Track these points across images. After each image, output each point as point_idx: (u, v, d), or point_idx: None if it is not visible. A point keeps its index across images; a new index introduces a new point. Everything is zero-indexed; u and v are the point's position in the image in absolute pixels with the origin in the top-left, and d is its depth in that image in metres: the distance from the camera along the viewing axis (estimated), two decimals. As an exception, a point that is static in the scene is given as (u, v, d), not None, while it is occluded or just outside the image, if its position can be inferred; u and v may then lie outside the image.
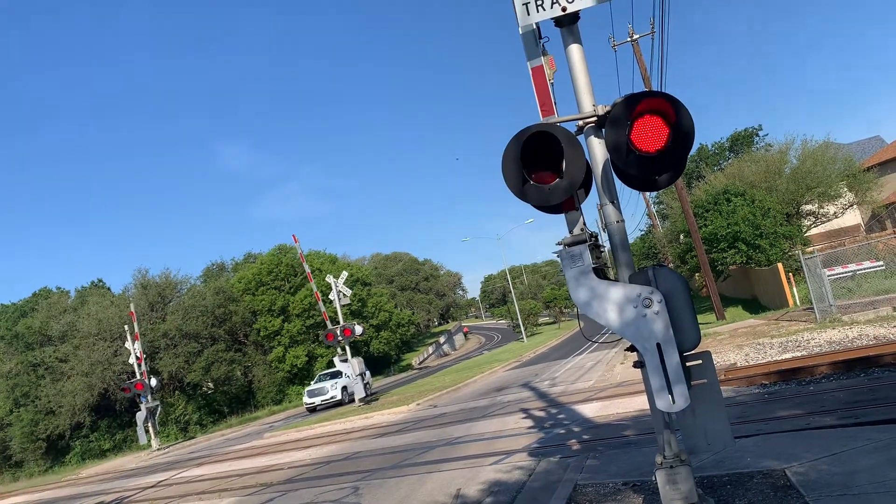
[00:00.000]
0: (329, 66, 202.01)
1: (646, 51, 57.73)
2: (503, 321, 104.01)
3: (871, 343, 14.57)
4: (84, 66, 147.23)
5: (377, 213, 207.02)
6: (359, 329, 31.59)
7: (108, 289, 63.79)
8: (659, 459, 5.74)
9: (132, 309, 36.96)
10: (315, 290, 32.39)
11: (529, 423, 14.85)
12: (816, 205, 39.03)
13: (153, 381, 35.16)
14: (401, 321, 72.73)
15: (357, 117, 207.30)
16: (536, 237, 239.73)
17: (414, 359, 76.44)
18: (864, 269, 22.21)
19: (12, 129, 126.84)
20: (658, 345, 5.20)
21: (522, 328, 67.05)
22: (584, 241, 5.67)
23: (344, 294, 32.81)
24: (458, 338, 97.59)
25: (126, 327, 36.79)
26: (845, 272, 22.03)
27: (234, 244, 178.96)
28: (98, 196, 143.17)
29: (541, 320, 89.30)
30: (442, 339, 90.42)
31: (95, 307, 48.37)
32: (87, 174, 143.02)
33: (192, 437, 40.57)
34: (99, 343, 45.30)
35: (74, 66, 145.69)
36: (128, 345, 36.08)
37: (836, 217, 40.61)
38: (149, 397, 34.15)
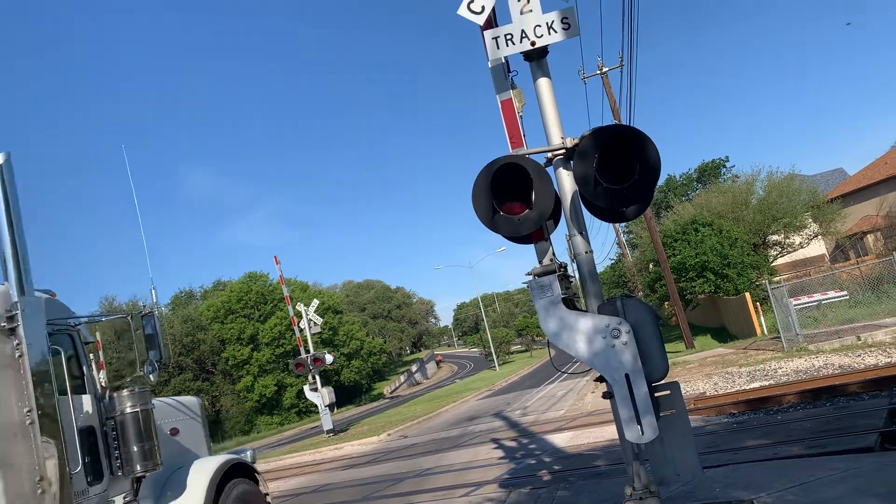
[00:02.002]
0: (296, 91, 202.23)
1: (615, 82, 58.85)
2: (475, 349, 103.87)
3: (836, 372, 14.78)
4: (46, 87, 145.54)
5: (349, 240, 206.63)
6: (329, 358, 31.25)
7: (74, 317, 62.60)
8: (628, 491, 5.73)
9: (98, 338, 36.25)
10: (292, 314, 32.03)
11: (501, 453, 14.76)
12: (782, 235, 39.75)
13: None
14: (372, 350, 72.30)
15: (328, 144, 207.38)
16: (509, 265, 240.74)
17: (385, 388, 75.86)
18: (829, 298, 22.64)
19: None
20: (626, 375, 5.22)
21: (495, 356, 66.96)
22: (554, 272, 5.70)
23: (315, 322, 32.51)
24: (431, 366, 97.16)
25: (91, 356, 36.06)
26: (811, 302, 22.42)
27: (202, 271, 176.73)
28: (61, 221, 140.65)
29: (513, 348, 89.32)
30: (414, 368, 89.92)
31: (60, 336, 47.41)
32: (51, 198, 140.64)
33: (158, 469, 39.63)
34: (62, 372, 44.31)
35: (33, 88, 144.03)
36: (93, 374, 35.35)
37: (802, 247, 41.38)
38: (113, 428, 33.34)
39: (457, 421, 24.52)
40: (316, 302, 33.74)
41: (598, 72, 31.02)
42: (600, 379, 5.62)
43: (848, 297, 23.24)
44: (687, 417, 5.71)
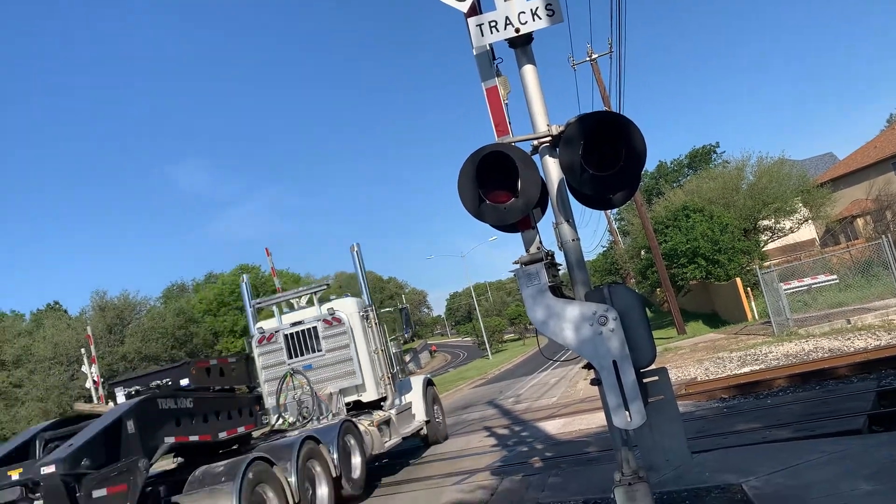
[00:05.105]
0: (287, 82, 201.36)
1: (605, 68, 58.71)
2: (468, 339, 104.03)
3: (825, 356, 14.88)
4: (35, 84, 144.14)
5: (341, 231, 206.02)
6: (322, 349, 31.22)
7: (65, 311, 62.26)
8: (617, 477, 5.75)
9: (89, 331, 36.08)
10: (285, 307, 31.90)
11: (493, 441, 14.81)
12: (773, 220, 39.83)
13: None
14: (366, 340, 72.18)
15: (317, 135, 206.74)
16: (501, 254, 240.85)
17: (379, 378, 75.82)
18: (819, 282, 22.73)
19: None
20: (614, 362, 5.22)
21: (488, 345, 67.10)
22: (541, 260, 5.69)
23: (307, 314, 32.41)
24: (424, 356, 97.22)
25: (83, 350, 35.89)
26: (801, 286, 22.51)
27: (194, 264, 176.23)
28: (54, 216, 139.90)
29: (506, 337, 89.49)
30: (407, 358, 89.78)
31: (51, 330, 47.17)
32: (43, 193, 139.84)
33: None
34: (55, 367, 44.17)
35: (25, 82, 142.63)
36: (84, 368, 35.15)
37: (792, 232, 41.50)
38: (107, 422, 33.25)
39: (450, 410, 24.56)
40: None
41: (588, 58, 30.93)
42: (588, 366, 5.63)
43: (838, 281, 23.34)
44: (675, 403, 5.72)
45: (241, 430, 10.35)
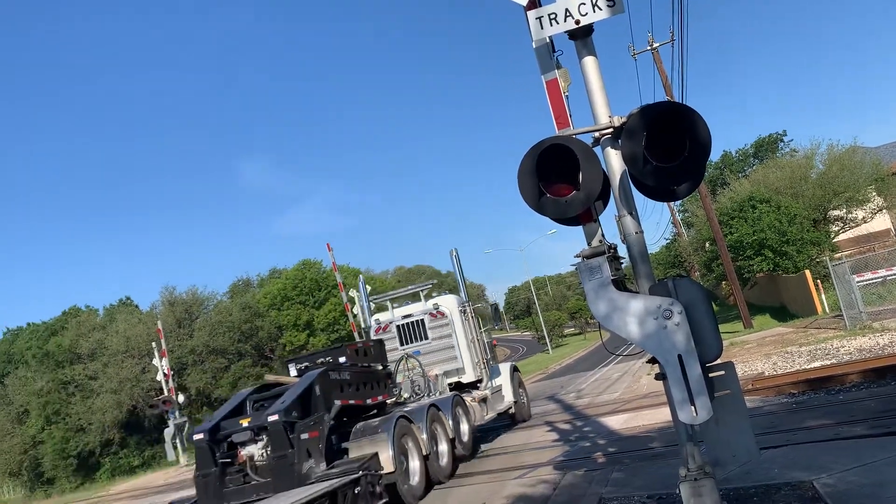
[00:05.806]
0: (348, 78, 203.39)
1: (666, 57, 57.39)
2: (527, 333, 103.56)
3: (902, 350, 14.31)
4: (106, 80, 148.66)
5: (399, 226, 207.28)
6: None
7: (136, 306, 64.38)
8: (683, 472, 5.67)
9: (159, 326, 37.31)
10: (345, 300, 32.37)
11: (555, 435, 14.75)
12: (844, 210, 38.37)
13: (181, 398, 35.38)
14: (425, 334, 72.54)
15: (378, 131, 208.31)
16: (560, 247, 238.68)
17: (439, 371, 76.09)
18: (895, 274, 21.84)
19: (37, 147, 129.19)
20: (679, 357, 5.15)
21: (548, 340, 66.69)
22: (603, 253, 5.64)
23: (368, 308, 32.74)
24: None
25: (153, 344, 37.12)
26: (875, 278, 21.69)
27: (259, 260, 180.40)
28: (124, 214, 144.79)
29: (566, 331, 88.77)
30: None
31: (123, 325, 48.88)
32: (113, 192, 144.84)
33: (220, 453, 40.71)
34: (127, 360, 45.78)
35: (95, 79, 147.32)
36: (155, 361, 36.37)
37: (865, 222, 39.84)
38: (176, 413, 34.34)
39: (511, 404, 24.50)
40: (368, 287, 34.01)
41: (649, 47, 30.36)
42: (653, 360, 5.56)
43: (915, 273, 22.39)
44: (742, 398, 5.62)
45: (380, 398, 12.50)
